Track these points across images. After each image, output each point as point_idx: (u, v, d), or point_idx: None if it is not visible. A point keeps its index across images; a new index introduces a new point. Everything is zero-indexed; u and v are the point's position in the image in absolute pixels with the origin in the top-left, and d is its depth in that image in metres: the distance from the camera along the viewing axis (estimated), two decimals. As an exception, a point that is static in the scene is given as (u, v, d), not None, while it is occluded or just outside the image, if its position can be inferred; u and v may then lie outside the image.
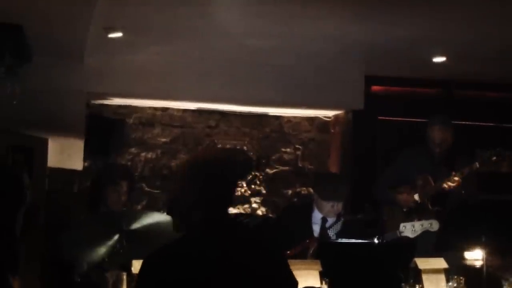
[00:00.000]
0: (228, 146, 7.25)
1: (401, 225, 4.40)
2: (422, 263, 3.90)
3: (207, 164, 2.45)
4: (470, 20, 5.03)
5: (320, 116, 7.42)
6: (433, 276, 3.85)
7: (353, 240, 4.17)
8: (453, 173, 4.97)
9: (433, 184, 5.11)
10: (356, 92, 6.69)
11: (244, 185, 7.27)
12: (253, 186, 7.29)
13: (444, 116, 5.42)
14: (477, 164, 4.89)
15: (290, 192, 7.37)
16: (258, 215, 7.10)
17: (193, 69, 6.34)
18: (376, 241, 4.15)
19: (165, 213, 2.56)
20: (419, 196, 5.17)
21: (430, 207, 5.08)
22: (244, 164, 2.69)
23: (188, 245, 2.31)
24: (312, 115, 7.40)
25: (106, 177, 4.62)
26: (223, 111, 7.16)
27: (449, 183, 4.97)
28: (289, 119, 7.40)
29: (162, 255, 2.29)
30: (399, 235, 4.38)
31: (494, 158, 4.82)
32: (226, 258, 2.27)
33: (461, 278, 3.83)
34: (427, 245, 4.65)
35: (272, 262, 2.39)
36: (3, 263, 2.00)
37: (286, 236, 4.71)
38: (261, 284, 2.31)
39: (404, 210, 5.22)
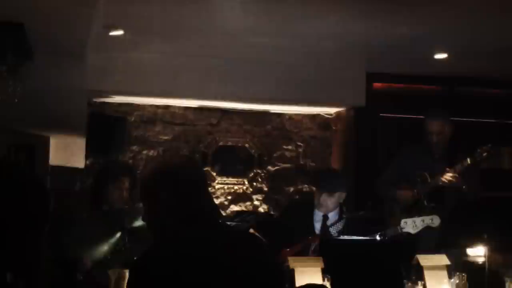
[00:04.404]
0: (229, 143, 7.26)
1: (402, 221, 4.40)
2: (424, 259, 3.89)
3: (170, 177, 2.41)
4: (471, 16, 5.03)
5: (322, 113, 7.42)
6: (435, 273, 3.85)
7: (355, 237, 4.17)
8: (447, 169, 5.00)
9: (429, 180, 5.13)
10: (358, 89, 6.69)
11: (246, 182, 7.28)
12: (255, 184, 7.29)
13: (440, 109, 5.42)
14: (468, 160, 4.91)
15: (291, 189, 7.37)
16: (259, 213, 7.11)
17: (194, 66, 6.35)
18: (377, 237, 4.15)
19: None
20: (417, 192, 5.18)
21: (425, 203, 5.10)
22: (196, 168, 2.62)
23: (172, 248, 2.30)
24: (314, 113, 7.40)
25: (108, 173, 4.61)
26: (225, 108, 7.16)
27: (443, 179, 5.00)
28: (290, 117, 7.40)
29: (145, 262, 2.28)
30: (400, 231, 4.38)
31: (485, 154, 4.85)
32: (208, 260, 2.25)
33: (463, 274, 3.82)
34: (429, 241, 4.66)
35: (257, 264, 2.37)
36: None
37: (288, 233, 4.72)
38: (244, 284, 2.30)
39: (403, 206, 5.23)
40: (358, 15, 5.05)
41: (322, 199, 4.73)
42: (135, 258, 2.36)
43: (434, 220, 4.35)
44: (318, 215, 4.79)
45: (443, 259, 3.93)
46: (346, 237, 4.38)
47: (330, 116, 7.44)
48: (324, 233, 4.70)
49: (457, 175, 4.95)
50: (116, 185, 4.52)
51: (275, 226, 5.22)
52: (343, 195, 4.75)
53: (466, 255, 4.65)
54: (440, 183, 5.03)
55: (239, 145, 7.29)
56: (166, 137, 7.13)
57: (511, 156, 7.17)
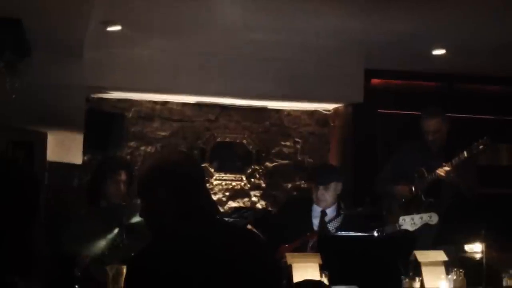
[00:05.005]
0: (227, 139, 7.26)
1: (401, 218, 4.40)
2: (422, 256, 3.90)
3: (170, 173, 2.39)
4: (469, 12, 5.03)
5: (320, 109, 7.41)
6: (433, 269, 3.85)
7: (353, 233, 4.18)
8: (443, 163, 5.01)
9: (427, 175, 5.14)
10: (356, 85, 6.68)
11: (244, 178, 7.27)
12: (252, 180, 7.29)
13: (436, 107, 5.43)
14: (465, 153, 4.91)
15: (289, 185, 7.37)
16: (257, 209, 7.10)
17: (192, 62, 6.33)
18: (375, 234, 4.16)
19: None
20: (415, 188, 5.19)
21: (423, 198, 5.10)
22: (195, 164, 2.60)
23: (169, 245, 2.30)
24: (312, 109, 7.39)
25: (105, 170, 4.62)
26: (223, 104, 7.15)
27: (439, 172, 5.01)
28: (288, 113, 7.39)
29: (143, 258, 2.27)
30: (398, 228, 4.38)
31: (481, 147, 4.84)
32: (206, 257, 2.25)
33: (461, 270, 3.83)
34: (427, 238, 4.66)
35: (254, 260, 2.37)
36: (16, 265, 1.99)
37: (286, 229, 4.72)
38: (242, 281, 2.29)
39: (401, 202, 5.24)
40: (357, 11, 5.05)
41: (319, 194, 4.74)
42: (132, 254, 2.36)
43: (432, 218, 4.35)
44: (316, 211, 4.80)
45: (440, 255, 3.94)
46: (344, 233, 4.39)
47: (328, 113, 7.44)
48: (322, 229, 4.71)
49: (449, 169, 4.95)
50: (114, 181, 4.53)
51: (273, 222, 5.23)
52: (339, 186, 4.77)
53: (464, 251, 4.66)
54: (437, 176, 5.03)
55: (237, 141, 7.28)
56: (164, 133, 7.12)
57: (509, 153, 7.18)
